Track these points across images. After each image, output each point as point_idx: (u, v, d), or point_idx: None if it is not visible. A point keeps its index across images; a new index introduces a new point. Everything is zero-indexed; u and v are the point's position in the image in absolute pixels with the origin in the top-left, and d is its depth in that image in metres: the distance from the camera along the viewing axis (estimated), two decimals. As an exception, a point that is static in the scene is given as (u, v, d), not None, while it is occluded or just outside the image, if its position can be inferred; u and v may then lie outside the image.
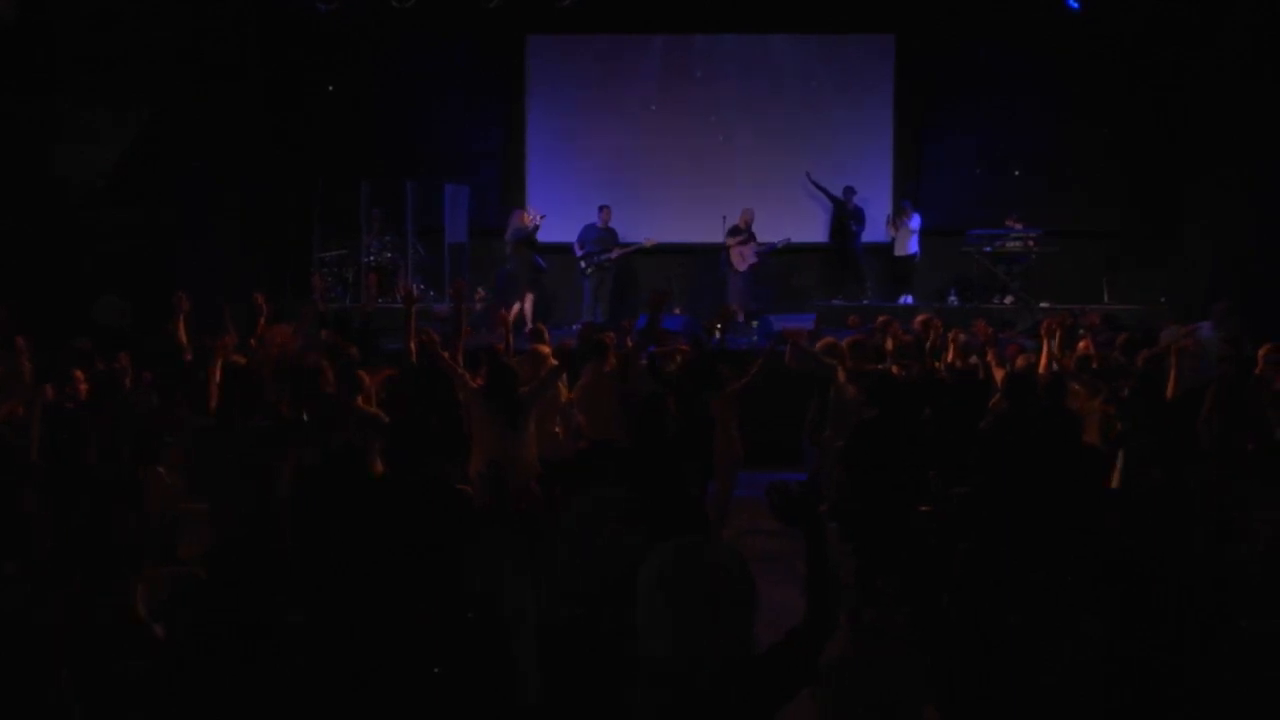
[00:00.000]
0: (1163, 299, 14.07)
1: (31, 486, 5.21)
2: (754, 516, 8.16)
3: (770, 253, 14.72)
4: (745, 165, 15.75)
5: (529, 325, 12.92)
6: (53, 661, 3.85)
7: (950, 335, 9.12)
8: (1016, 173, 15.51)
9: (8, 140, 13.20)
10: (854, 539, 5.66)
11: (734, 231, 14.69)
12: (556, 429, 7.64)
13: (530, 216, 13.91)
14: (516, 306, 13.38)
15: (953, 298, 14.96)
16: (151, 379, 7.69)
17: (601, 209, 14.61)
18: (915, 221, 14.91)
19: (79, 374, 7.47)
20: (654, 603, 2.54)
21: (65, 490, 5.51)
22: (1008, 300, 14.45)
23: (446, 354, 7.08)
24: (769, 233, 14.67)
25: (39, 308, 10.63)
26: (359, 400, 6.60)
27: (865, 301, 14.41)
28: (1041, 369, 8.01)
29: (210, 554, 5.26)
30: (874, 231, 15.23)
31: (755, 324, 14.21)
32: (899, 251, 15.00)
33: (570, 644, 3.33)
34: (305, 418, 6.11)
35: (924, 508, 5.94)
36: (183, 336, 8.12)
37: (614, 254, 14.45)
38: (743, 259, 14.66)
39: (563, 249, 14.62)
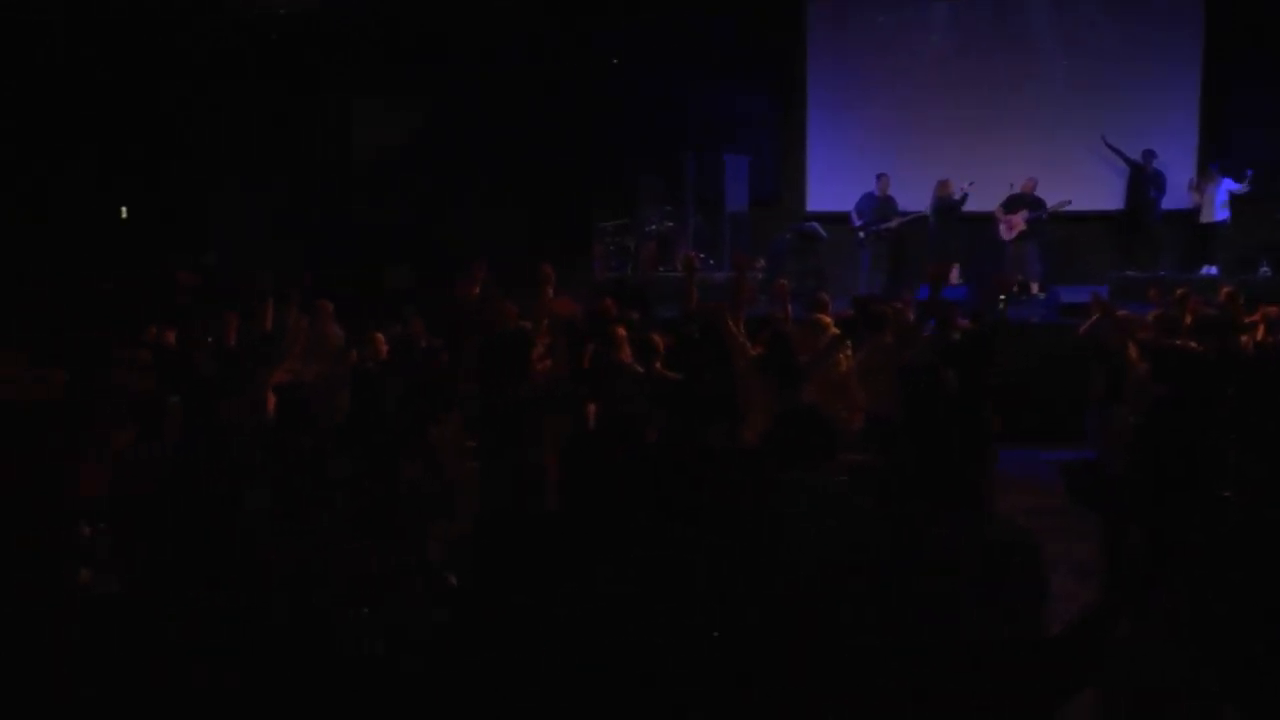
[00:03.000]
0: None
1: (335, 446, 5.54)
2: (1019, 494, 7.91)
3: (1045, 220, 14.09)
4: (1032, 129, 15.10)
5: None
6: (352, 605, 4.07)
7: (1260, 310, 8.55)
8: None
9: (309, 123, 14.14)
10: (1144, 522, 5.40)
11: (1011, 201, 14.16)
12: (840, 403, 7.57)
13: (954, 186, 13.80)
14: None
15: (1264, 268, 13.80)
16: (443, 343, 8.05)
17: (879, 177, 14.35)
18: (1225, 186, 13.83)
19: (379, 337, 7.92)
20: (943, 578, 2.49)
21: (366, 447, 5.86)
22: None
23: (728, 322, 7.12)
24: (1055, 199, 14.09)
25: (338, 276, 11.37)
26: (648, 366, 6.72)
27: (1162, 273, 13.57)
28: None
29: (479, 517, 5.51)
30: (1175, 198, 14.34)
31: (1043, 295, 13.69)
32: (1205, 218, 13.93)
33: (845, 617, 3.31)
34: (589, 383, 6.26)
35: (1222, 492, 5.60)
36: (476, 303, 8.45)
37: (893, 223, 14.19)
38: (1010, 228, 14.12)
39: (840, 218, 14.46)
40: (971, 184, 13.77)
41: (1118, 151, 14.29)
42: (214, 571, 4.34)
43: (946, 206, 13.79)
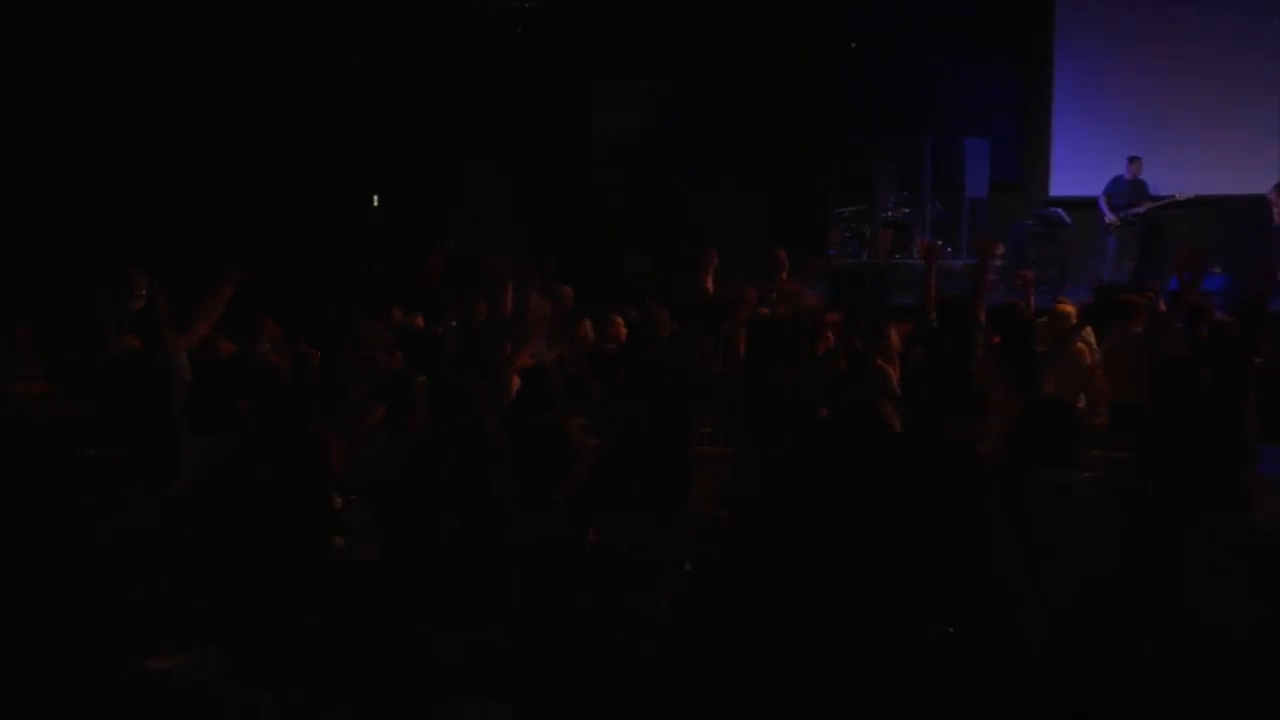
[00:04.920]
0: None
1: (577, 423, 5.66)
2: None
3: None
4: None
5: None
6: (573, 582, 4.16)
7: None
8: None
9: (550, 108, 14.48)
10: None
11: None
12: (1083, 395, 7.31)
13: None
14: None
15: None
16: (680, 330, 8.12)
17: (1131, 160, 13.66)
18: None
19: (619, 320, 8.06)
20: (1198, 580, 2.39)
21: (604, 428, 5.97)
22: None
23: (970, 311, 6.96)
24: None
25: (575, 260, 11.63)
26: (878, 357, 6.65)
27: None
28: None
29: (727, 500, 5.53)
30: None
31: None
32: None
33: (1083, 627, 3.22)
34: (825, 371, 6.24)
35: None
36: (710, 289, 8.50)
37: (1141, 208, 13.53)
38: (1281, 213, 13.17)
39: (1086, 203, 13.90)
40: None
41: None
42: (461, 546, 4.50)
43: None
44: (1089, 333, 7.68)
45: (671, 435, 5.78)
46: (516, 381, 6.23)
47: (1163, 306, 7.63)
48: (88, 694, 3.86)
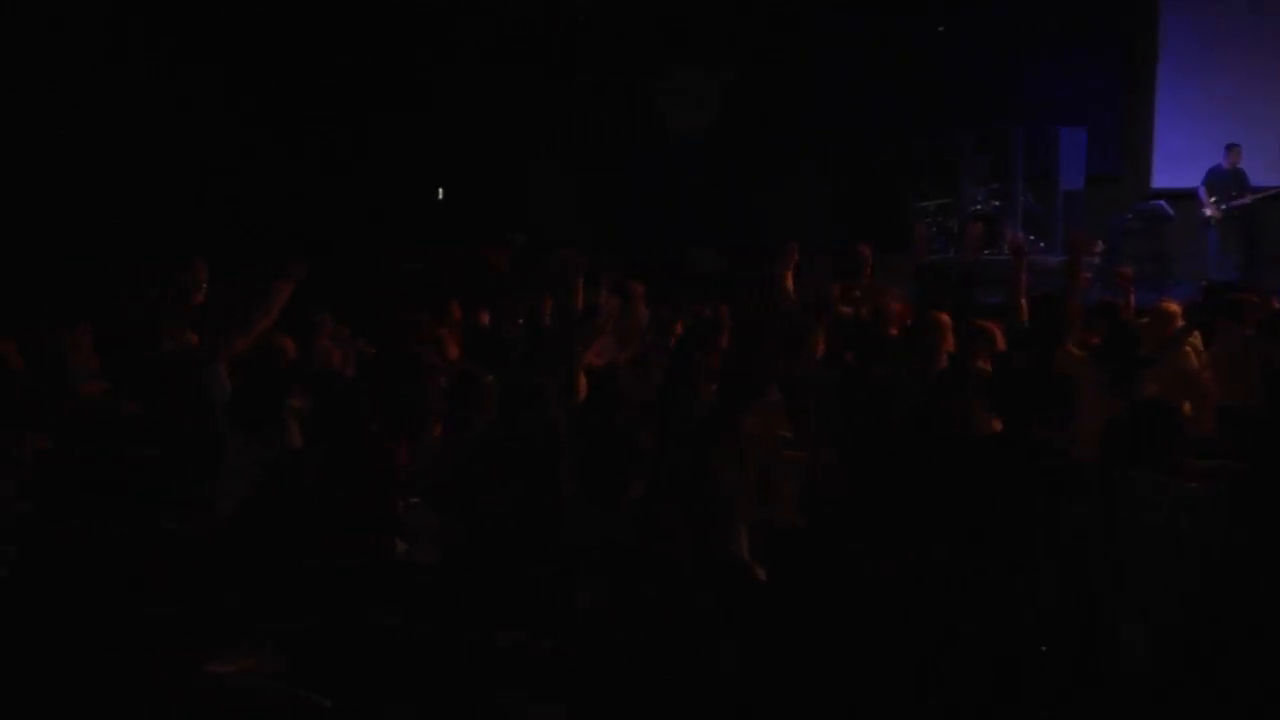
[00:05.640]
0: None
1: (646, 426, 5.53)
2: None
3: None
4: None
5: None
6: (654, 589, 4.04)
7: None
8: None
9: (618, 103, 14.39)
10: None
11: None
12: (1188, 399, 6.98)
13: None
14: None
15: None
16: (735, 327, 7.95)
17: (1229, 149, 13.04)
18: None
19: (678, 321, 7.89)
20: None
21: (669, 430, 5.80)
22: None
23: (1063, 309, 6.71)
24: None
25: (645, 257, 11.50)
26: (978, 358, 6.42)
27: None
28: None
29: (803, 504, 5.37)
30: None
31: None
32: None
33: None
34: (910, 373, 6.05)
35: None
36: (789, 286, 8.29)
37: (1245, 199, 13.00)
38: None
39: (1190, 195, 13.38)
40: None
41: None
42: (526, 547, 4.43)
43: None
44: (1194, 335, 7.36)
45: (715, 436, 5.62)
46: (584, 381, 6.12)
47: (1276, 305, 7.29)
48: (146, 698, 3.88)
